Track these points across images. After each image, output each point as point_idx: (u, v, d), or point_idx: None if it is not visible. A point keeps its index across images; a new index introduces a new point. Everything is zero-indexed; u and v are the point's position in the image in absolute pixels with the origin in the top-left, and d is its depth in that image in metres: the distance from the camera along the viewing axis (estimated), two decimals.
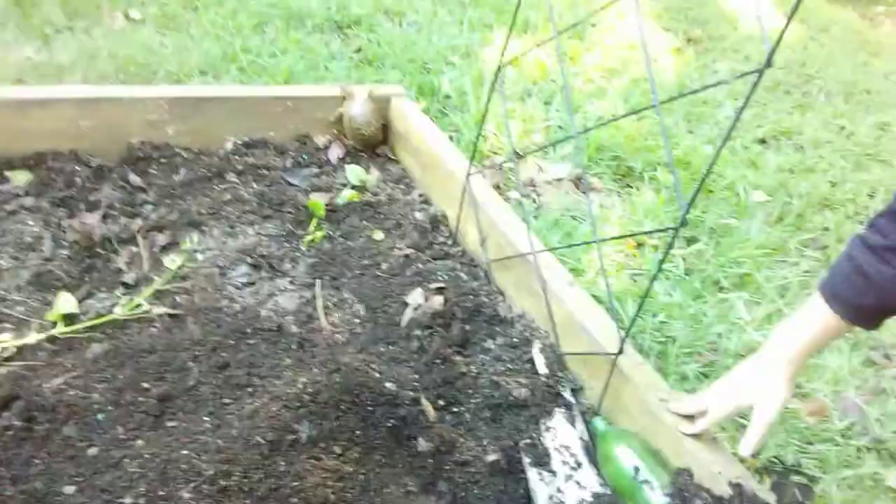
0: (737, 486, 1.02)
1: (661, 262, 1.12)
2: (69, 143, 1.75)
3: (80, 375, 1.21)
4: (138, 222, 1.59)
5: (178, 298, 1.43)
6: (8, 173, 1.65)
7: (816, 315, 0.99)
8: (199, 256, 1.55)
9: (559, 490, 1.11)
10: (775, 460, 1.37)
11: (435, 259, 1.70)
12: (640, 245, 2.00)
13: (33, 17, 2.63)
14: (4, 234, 1.49)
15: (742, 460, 1.11)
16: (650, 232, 1.05)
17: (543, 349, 1.40)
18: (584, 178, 1.57)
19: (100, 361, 1.25)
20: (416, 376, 1.34)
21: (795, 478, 1.15)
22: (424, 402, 1.27)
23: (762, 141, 2.75)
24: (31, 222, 1.52)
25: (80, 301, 1.35)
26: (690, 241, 2.02)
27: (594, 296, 1.44)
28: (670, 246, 1.08)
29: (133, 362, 1.25)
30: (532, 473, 1.16)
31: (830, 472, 1.37)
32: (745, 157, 2.56)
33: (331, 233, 1.72)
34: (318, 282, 1.55)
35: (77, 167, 1.72)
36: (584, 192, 2.16)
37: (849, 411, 1.53)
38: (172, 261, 1.49)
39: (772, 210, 2.21)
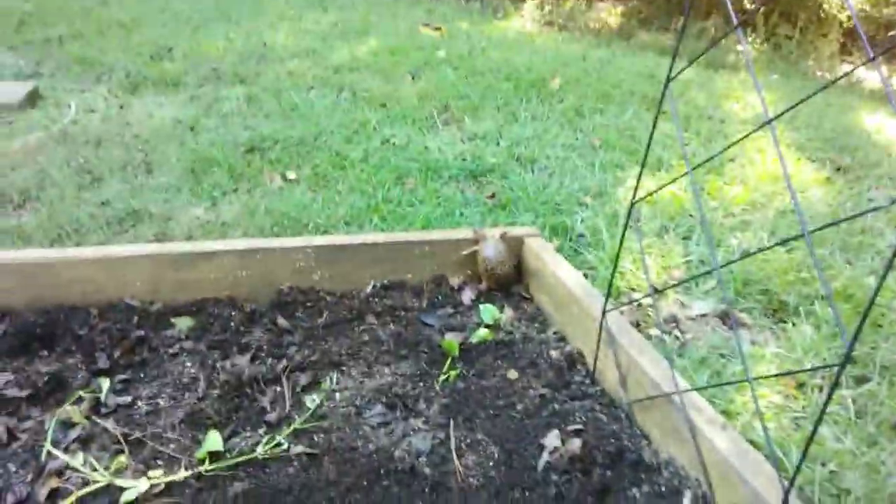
0: None
1: (827, 401, 1.01)
2: (228, 290, 1.90)
3: None
4: (283, 363, 1.66)
5: (315, 437, 1.45)
6: (174, 320, 1.81)
7: None
8: (338, 396, 1.58)
9: None
10: None
11: (572, 399, 1.63)
12: (801, 385, 1.82)
13: (204, 182, 2.97)
14: (166, 375, 1.61)
15: None
16: (811, 370, 0.94)
17: (695, 499, 1.28)
18: (732, 313, 1.48)
19: (239, 500, 1.27)
20: None
21: None
22: None
23: None
24: (189, 364, 1.64)
25: (226, 440, 1.41)
26: (860, 380, 1.82)
27: (750, 441, 1.31)
28: (835, 384, 0.97)
29: (271, 501, 1.26)
30: None
31: None
32: None
33: (465, 372, 1.71)
34: (451, 422, 1.52)
35: (233, 312, 1.85)
36: (731, 328, 2.03)
37: None
38: (313, 400, 1.53)
39: None
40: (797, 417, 1.69)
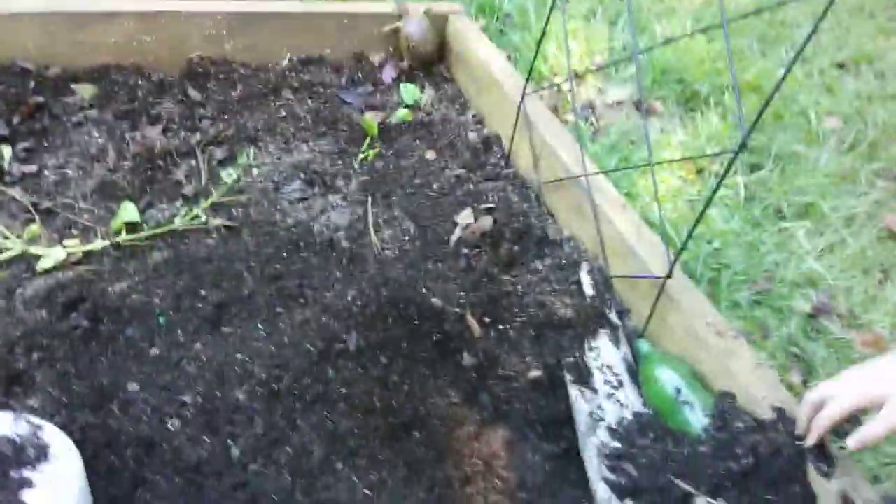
0: (779, 410, 1.01)
1: (718, 185, 1.08)
2: (132, 56, 1.78)
3: (142, 281, 1.27)
4: (197, 136, 1.62)
5: (234, 211, 1.47)
6: (74, 86, 1.70)
7: None
8: (255, 171, 1.58)
9: (600, 407, 1.12)
10: None
11: (486, 180, 1.69)
12: (700, 171, 1.94)
13: None
14: (72, 145, 1.55)
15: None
16: (708, 156, 1.00)
17: (591, 271, 1.40)
18: (643, 101, 1.52)
19: (160, 269, 1.30)
20: (463, 294, 1.35)
21: None
22: (470, 318, 1.29)
23: (840, 66, 2.59)
24: (95, 134, 1.58)
25: (141, 211, 1.41)
26: (754, 167, 1.95)
27: (648, 222, 1.42)
28: (727, 170, 1.04)
29: (191, 271, 1.30)
30: (573, 391, 1.17)
31: None
32: (821, 82, 2.42)
33: (384, 151, 1.73)
34: (369, 199, 1.56)
35: (139, 81, 1.75)
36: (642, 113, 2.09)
37: None
38: (229, 174, 1.52)
39: (844, 137, 2.10)
40: (693, 200, 1.82)
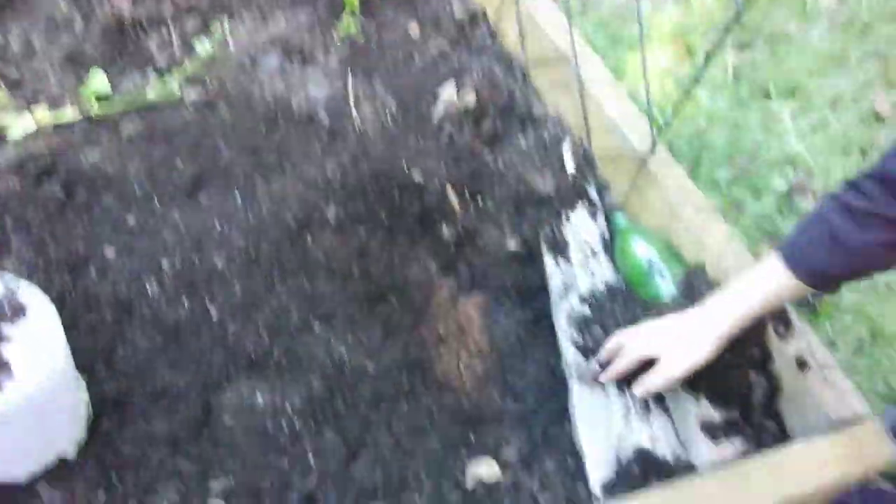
0: None
1: (707, 61, 1.06)
2: None
3: (115, 152, 1.26)
4: (168, 5, 1.56)
5: (209, 83, 1.43)
6: None
7: (773, 277, 0.87)
8: (231, 43, 1.53)
9: (573, 277, 1.15)
10: None
11: (471, 56, 1.64)
12: (690, 51, 1.89)
13: None
14: (38, 13, 1.49)
15: None
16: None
17: (573, 147, 1.39)
18: None
19: (134, 140, 1.29)
20: (444, 168, 1.34)
21: None
22: (450, 192, 1.29)
23: None
24: (61, 2, 1.51)
25: (112, 81, 1.37)
26: (744, 46, 1.90)
27: (635, 100, 1.39)
28: (717, 46, 1.01)
29: (166, 142, 1.29)
30: (549, 260, 1.19)
31: None
32: None
33: (365, 24, 1.67)
34: (349, 72, 1.52)
35: None
36: None
37: None
38: (203, 46, 1.47)
39: (837, 17, 2.04)
40: (681, 81, 1.79)
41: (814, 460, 0.79)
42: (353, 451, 0.95)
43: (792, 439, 0.89)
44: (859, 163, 1.62)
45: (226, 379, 0.99)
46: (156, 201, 1.20)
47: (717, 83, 1.77)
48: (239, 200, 1.23)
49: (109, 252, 1.12)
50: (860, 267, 0.84)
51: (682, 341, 0.92)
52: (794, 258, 0.86)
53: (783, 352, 0.95)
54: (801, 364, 0.92)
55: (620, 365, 0.97)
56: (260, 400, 0.97)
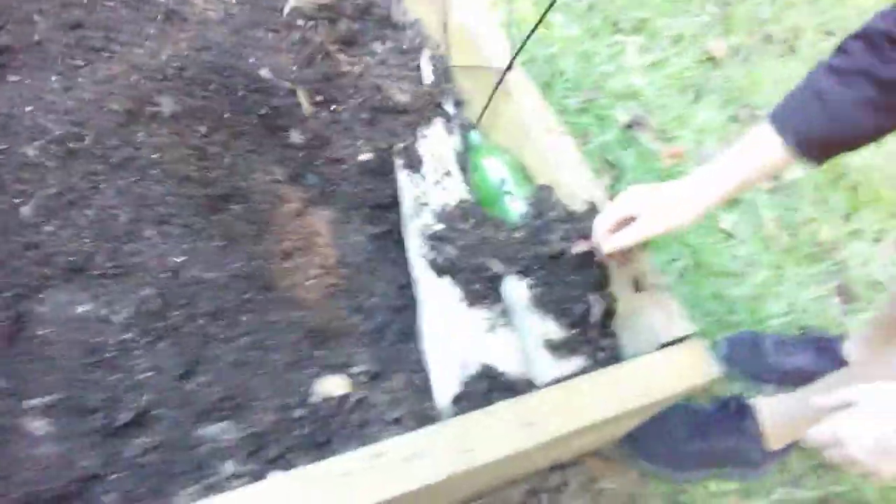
0: (592, 205, 1.08)
1: None
2: None
3: None
4: None
5: None
6: None
7: (763, 144, 0.88)
8: None
9: (425, 193, 1.13)
10: None
11: None
12: None
13: None
14: None
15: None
16: None
17: (433, 58, 1.35)
18: None
19: None
20: (295, 68, 1.25)
21: None
22: (301, 94, 1.21)
23: None
24: None
25: None
26: None
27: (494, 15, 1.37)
28: None
29: None
30: (402, 175, 1.17)
31: None
32: None
33: None
34: None
35: None
36: None
37: (705, 161, 1.63)
38: None
39: None
40: (538, 4, 1.78)
41: (644, 377, 0.86)
42: (191, 366, 0.89)
43: (625, 357, 0.95)
44: (693, 102, 1.73)
45: (41, 286, 0.88)
46: None
47: (572, 10, 1.79)
48: (55, 83, 1.07)
49: None
50: (847, 131, 0.83)
51: (667, 203, 0.91)
52: (782, 122, 0.86)
53: (621, 274, 1.01)
54: (637, 286, 0.98)
55: (597, 223, 0.96)
56: (82, 310, 0.87)
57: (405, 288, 1.08)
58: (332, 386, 0.92)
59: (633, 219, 0.93)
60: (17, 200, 0.93)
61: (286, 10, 1.35)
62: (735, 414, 1.22)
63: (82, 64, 1.11)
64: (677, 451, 1.19)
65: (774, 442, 1.19)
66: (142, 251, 0.95)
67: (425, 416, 0.87)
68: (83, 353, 0.85)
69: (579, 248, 1.00)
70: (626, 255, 1.00)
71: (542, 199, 1.11)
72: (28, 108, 1.02)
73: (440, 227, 1.07)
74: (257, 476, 0.83)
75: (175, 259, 0.96)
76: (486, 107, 1.27)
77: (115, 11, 1.20)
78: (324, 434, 0.88)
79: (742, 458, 1.21)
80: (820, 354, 1.33)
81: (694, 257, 1.45)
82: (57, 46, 1.11)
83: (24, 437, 0.80)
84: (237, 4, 1.33)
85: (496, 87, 1.24)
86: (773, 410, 1.19)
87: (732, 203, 1.57)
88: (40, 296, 0.88)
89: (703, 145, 1.65)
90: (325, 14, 1.36)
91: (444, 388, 0.92)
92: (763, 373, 1.35)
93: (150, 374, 0.87)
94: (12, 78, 1.06)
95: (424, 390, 0.94)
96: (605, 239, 0.96)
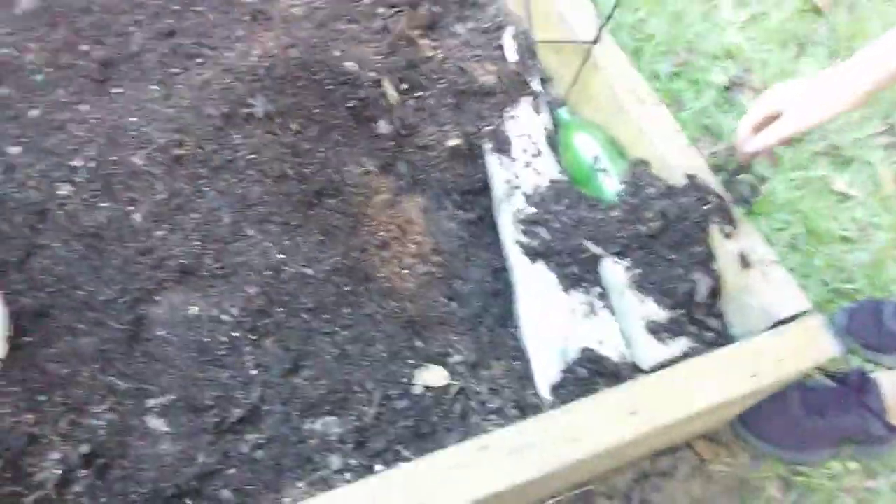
0: (691, 177, 1.03)
1: None
2: None
3: (10, 33, 1.12)
4: None
5: None
6: None
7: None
8: None
9: (516, 175, 1.12)
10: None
11: None
12: None
13: None
14: None
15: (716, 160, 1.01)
16: None
17: (516, 35, 1.32)
18: None
19: (30, 19, 1.14)
20: (379, 57, 1.26)
21: (746, 176, 1.16)
22: (386, 84, 1.22)
23: None
24: None
25: None
26: None
27: None
28: None
29: (68, 22, 1.15)
30: (492, 158, 1.15)
31: (781, 172, 1.41)
32: None
33: None
34: None
35: None
36: None
37: None
38: None
39: None
40: None
41: (754, 359, 0.82)
42: (296, 361, 0.92)
43: (733, 338, 0.91)
44: (797, 57, 1.62)
45: (156, 289, 0.93)
46: (61, 91, 1.08)
47: None
48: (155, 91, 1.12)
49: (13, 150, 1.01)
50: None
51: (819, 92, 0.85)
52: None
53: (726, 250, 0.96)
54: (744, 262, 0.94)
55: (741, 124, 0.91)
56: (194, 310, 0.92)
57: (501, 272, 1.07)
58: (433, 377, 0.93)
59: (779, 116, 0.88)
60: (129, 208, 0.99)
61: None
62: (856, 389, 1.15)
63: (178, 71, 1.15)
64: (796, 431, 1.14)
65: None
66: (245, 250, 0.98)
67: (527, 404, 0.87)
68: (196, 352, 0.89)
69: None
70: (773, 157, 0.94)
71: (638, 174, 1.07)
72: (132, 119, 1.07)
73: (532, 210, 1.05)
74: (364, 469, 0.85)
75: (277, 256, 0.99)
76: (574, 81, 1.24)
77: (204, 16, 1.24)
78: (427, 426, 0.89)
79: (865, 435, 1.14)
80: None
81: (806, 223, 1.36)
82: (154, 56, 1.16)
83: (146, 436, 0.85)
84: None
85: (584, 62, 1.20)
86: None
87: (846, 162, 1.47)
88: (156, 298, 0.93)
89: None
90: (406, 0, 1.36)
91: (546, 375, 0.91)
92: (886, 343, 1.27)
93: (258, 370, 0.91)
94: (115, 90, 1.12)
95: (525, 377, 0.94)
96: (748, 141, 0.91)
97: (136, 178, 1.01)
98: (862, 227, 1.39)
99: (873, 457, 1.17)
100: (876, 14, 1.71)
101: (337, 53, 1.22)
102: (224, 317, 0.92)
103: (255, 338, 0.92)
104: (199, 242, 0.98)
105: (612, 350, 0.90)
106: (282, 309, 0.94)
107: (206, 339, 0.90)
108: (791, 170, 1.42)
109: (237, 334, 0.91)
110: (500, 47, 1.33)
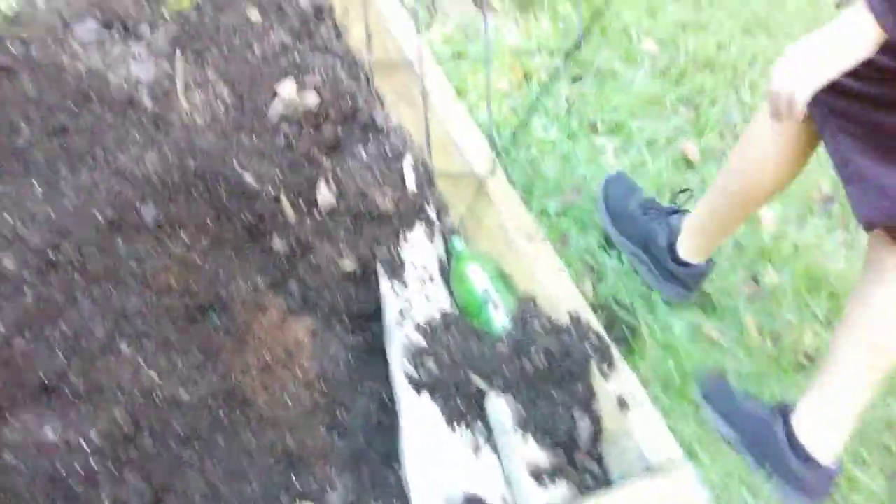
0: (575, 317, 1.07)
1: (545, 90, 1.08)
2: None
3: None
4: None
5: (11, 46, 1.23)
6: None
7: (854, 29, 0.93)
8: (39, 2, 1.33)
9: (408, 302, 1.13)
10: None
11: (314, 52, 1.56)
12: (527, 76, 1.95)
13: None
14: None
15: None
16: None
17: (416, 164, 1.37)
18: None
19: None
20: (280, 174, 1.26)
21: (624, 316, 1.23)
22: (284, 200, 1.22)
23: None
24: None
25: None
26: (576, 79, 2.00)
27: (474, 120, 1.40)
28: (555, 76, 1.04)
29: None
30: (384, 284, 1.16)
31: (658, 314, 1.50)
32: (647, 4, 2.50)
33: (200, 2, 1.53)
34: (178, 54, 1.39)
35: None
36: (480, 8, 2.05)
37: None
38: (6, 1, 1.27)
39: (658, 62, 2.21)
40: (517, 106, 1.83)
41: None
42: (159, 497, 0.85)
43: (612, 482, 0.93)
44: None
45: (10, 408, 0.85)
46: None
47: (552, 113, 1.84)
48: (39, 190, 1.07)
49: None
50: None
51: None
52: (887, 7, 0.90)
53: (605, 391, 1.00)
54: (622, 404, 0.97)
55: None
56: (50, 435, 0.84)
57: (388, 404, 1.06)
58: None
59: None
60: None
61: (272, 115, 1.37)
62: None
63: (66, 171, 1.11)
64: None
65: None
66: (115, 368, 0.92)
67: None
68: (47, 484, 0.81)
69: None
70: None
71: (526, 309, 1.11)
72: (7, 217, 1.01)
73: (423, 340, 1.06)
74: None
75: (150, 376, 0.93)
76: (467, 213, 1.29)
77: (101, 117, 1.21)
78: None
79: None
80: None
81: (678, 362, 1.44)
82: (42, 153, 1.11)
83: None
84: (223, 109, 1.35)
85: (478, 194, 1.25)
86: None
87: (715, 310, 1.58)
88: (9, 419, 0.84)
89: None
90: (311, 119, 1.38)
91: None
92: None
93: None
94: None
95: None
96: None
97: (2, 282, 0.94)
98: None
99: None
100: None
101: (236, 166, 1.22)
102: (83, 442, 0.85)
103: (115, 468, 0.85)
104: (64, 357, 0.91)
105: (495, 494, 0.89)
106: (149, 436, 0.88)
107: (60, 469, 0.82)
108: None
109: (96, 464, 0.84)
110: (401, 173, 1.37)
